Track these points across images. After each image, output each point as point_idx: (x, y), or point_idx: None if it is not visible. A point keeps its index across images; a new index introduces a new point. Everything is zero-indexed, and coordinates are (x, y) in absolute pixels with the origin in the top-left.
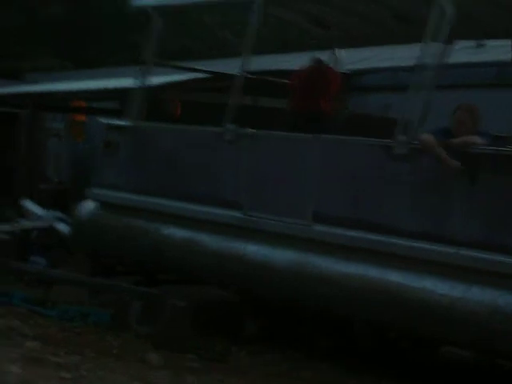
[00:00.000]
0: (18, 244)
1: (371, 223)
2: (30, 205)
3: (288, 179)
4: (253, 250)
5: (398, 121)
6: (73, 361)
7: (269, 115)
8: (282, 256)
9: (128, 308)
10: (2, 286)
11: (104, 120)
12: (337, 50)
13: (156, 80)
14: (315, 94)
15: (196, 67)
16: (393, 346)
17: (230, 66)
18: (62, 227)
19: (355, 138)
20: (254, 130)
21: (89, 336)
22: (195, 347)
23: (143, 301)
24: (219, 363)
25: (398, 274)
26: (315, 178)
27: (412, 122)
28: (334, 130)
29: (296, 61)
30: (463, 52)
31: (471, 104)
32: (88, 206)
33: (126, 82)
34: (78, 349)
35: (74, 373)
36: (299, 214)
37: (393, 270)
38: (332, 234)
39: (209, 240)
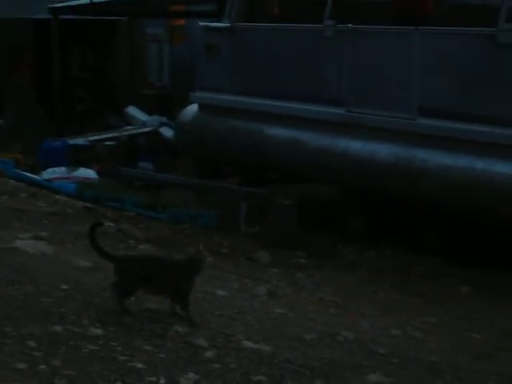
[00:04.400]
0: (125, 150)
1: (476, 115)
2: (134, 111)
3: (390, 74)
4: (356, 146)
5: (501, 6)
6: None
7: (369, 9)
8: (386, 151)
9: (235, 209)
10: (113, 192)
11: (203, 23)
12: None
13: None
14: None
15: None
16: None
17: None
18: (167, 132)
19: (456, 29)
20: (353, 25)
21: (198, 237)
22: (303, 244)
23: (250, 201)
24: (327, 259)
25: (504, 165)
26: (418, 72)
27: None
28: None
29: None
30: None
31: None
32: (191, 110)
33: None
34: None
35: None
36: (404, 108)
37: (498, 162)
38: (437, 127)
39: (311, 138)
